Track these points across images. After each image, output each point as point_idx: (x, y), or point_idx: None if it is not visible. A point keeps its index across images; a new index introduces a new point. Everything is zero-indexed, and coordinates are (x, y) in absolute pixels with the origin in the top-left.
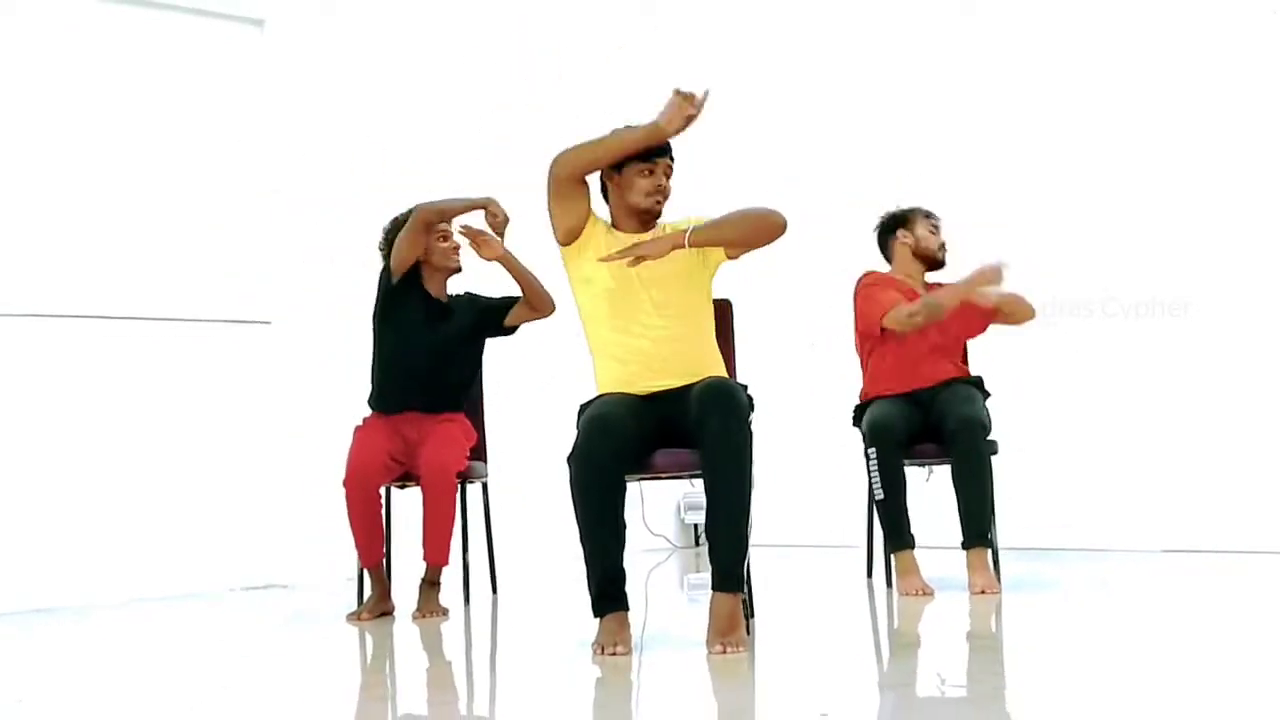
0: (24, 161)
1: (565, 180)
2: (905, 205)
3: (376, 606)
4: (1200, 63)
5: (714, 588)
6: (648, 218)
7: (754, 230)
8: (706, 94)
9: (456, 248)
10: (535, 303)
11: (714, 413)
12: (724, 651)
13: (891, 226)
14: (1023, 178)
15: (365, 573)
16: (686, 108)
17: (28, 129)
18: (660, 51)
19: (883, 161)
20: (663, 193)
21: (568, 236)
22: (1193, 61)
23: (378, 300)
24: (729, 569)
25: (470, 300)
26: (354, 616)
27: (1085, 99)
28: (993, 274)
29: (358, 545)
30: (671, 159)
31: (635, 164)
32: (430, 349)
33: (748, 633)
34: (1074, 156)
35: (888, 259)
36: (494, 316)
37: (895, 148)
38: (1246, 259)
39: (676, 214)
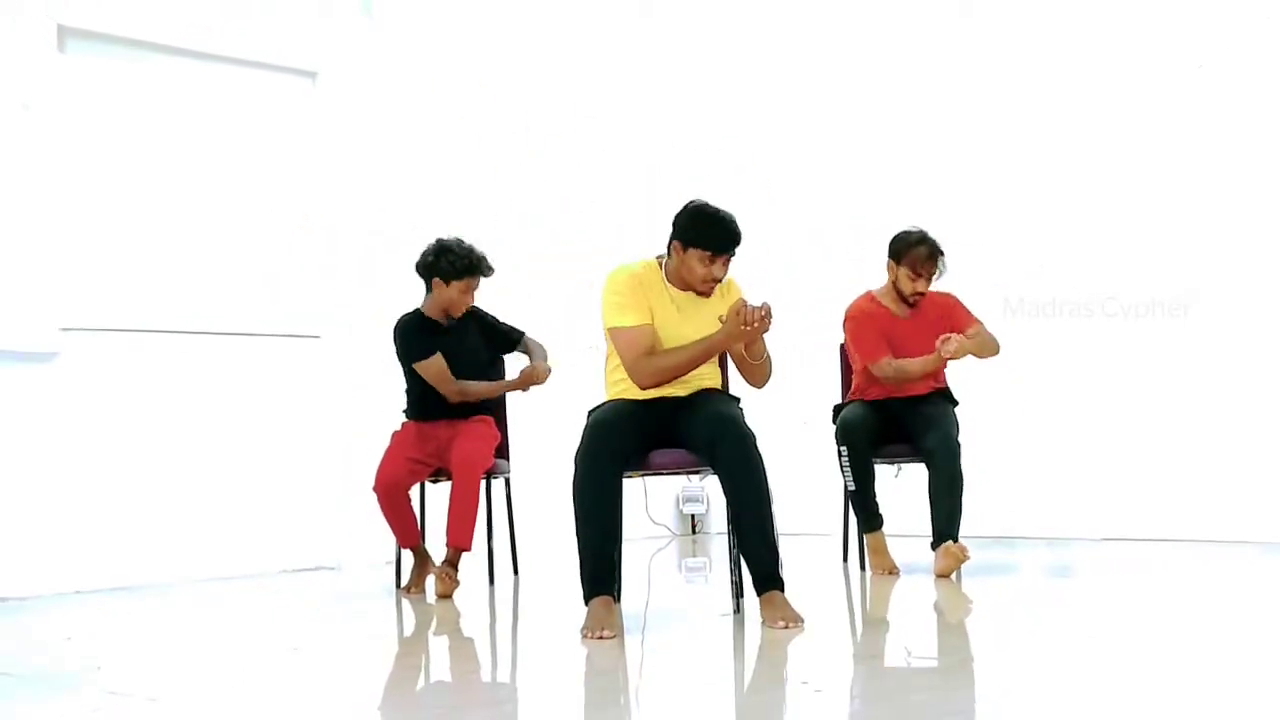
0: (105, 196)
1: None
2: (916, 233)
3: (420, 578)
4: (1199, 64)
5: (759, 592)
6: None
7: (756, 376)
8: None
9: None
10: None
11: (726, 442)
12: (786, 626)
13: (892, 250)
14: (1023, 179)
15: (406, 551)
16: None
17: (109, 167)
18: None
19: (880, 165)
20: (717, 281)
21: None
22: (1192, 63)
23: (400, 350)
24: (769, 573)
25: (478, 318)
26: (404, 590)
27: (1085, 101)
28: (955, 351)
29: (394, 534)
30: (734, 253)
31: (698, 250)
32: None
33: (737, 611)
34: (1074, 158)
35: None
36: (504, 342)
37: (893, 151)
38: (1241, 261)
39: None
